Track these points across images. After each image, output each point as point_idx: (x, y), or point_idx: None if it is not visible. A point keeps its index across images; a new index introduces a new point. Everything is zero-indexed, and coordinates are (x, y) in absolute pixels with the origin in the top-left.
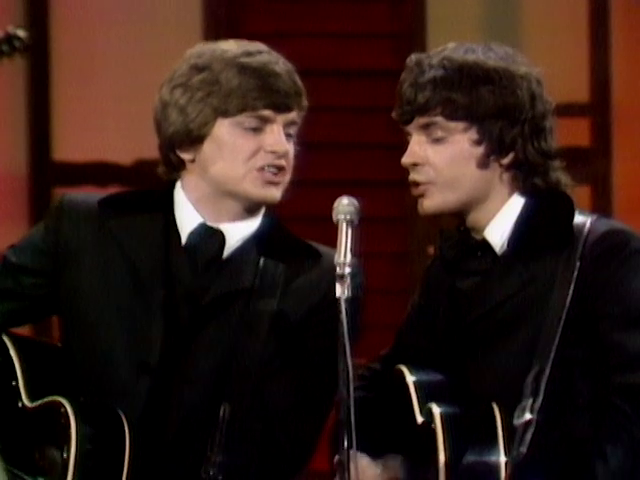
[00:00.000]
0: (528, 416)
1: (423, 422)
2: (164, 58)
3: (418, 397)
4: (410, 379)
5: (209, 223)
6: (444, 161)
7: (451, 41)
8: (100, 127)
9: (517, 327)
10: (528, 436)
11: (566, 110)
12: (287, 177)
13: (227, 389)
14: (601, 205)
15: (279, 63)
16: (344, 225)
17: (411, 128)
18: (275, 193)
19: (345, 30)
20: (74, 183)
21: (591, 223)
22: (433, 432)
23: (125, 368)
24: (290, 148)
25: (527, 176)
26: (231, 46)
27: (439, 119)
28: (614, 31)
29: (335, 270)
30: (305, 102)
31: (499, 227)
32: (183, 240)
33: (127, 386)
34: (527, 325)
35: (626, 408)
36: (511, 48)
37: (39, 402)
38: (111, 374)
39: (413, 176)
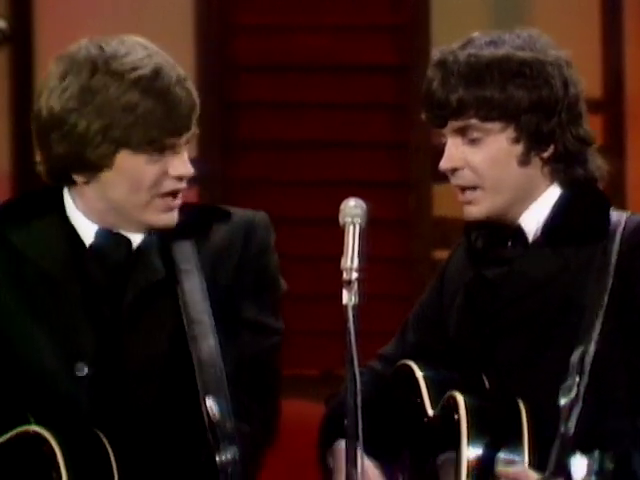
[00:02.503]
0: (574, 394)
1: (435, 415)
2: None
3: (429, 390)
4: (419, 374)
5: (107, 228)
6: (485, 163)
7: (456, 34)
8: None
9: (552, 318)
10: (574, 415)
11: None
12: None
13: (201, 384)
14: (614, 205)
15: (179, 82)
16: (351, 228)
17: (445, 131)
18: (174, 217)
19: (342, 23)
20: None
21: (627, 217)
22: (457, 423)
23: (61, 382)
24: (192, 170)
25: (568, 167)
26: (123, 64)
27: (474, 121)
28: (627, 25)
29: (247, 225)
30: (198, 108)
31: (534, 216)
32: (87, 242)
33: (68, 400)
34: (564, 316)
35: None
36: (533, 29)
37: (5, 437)
38: (48, 391)
39: (455, 181)
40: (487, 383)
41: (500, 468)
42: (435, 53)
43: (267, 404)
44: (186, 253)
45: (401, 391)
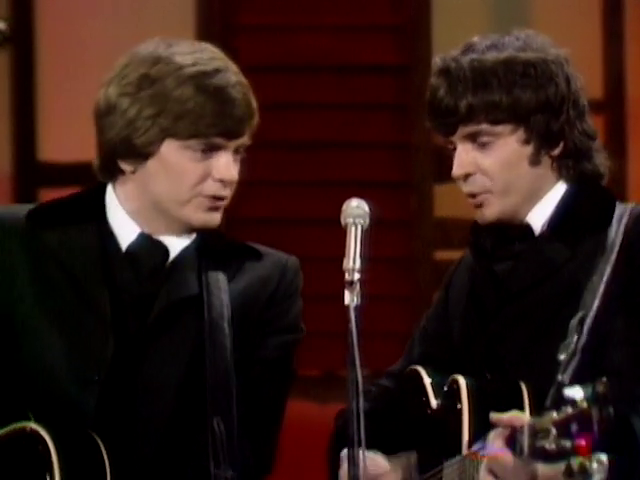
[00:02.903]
0: (572, 349)
1: (438, 406)
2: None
3: (433, 387)
4: (425, 374)
5: (147, 232)
6: (497, 166)
7: (457, 34)
8: (87, 126)
9: (558, 306)
10: (571, 368)
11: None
12: (227, 202)
13: (211, 404)
14: None
15: (236, 86)
16: (353, 229)
17: (455, 138)
18: (216, 218)
19: (343, 23)
20: (59, 184)
21: (631, 207)
22: (459, 412)
23: (70, 385)
24: (236, 177)
25: (576, 163)
26: (186, 59)
27: (485, 126)
28: (627, 25)
29: (279, 267)
30: (257, 120)
31: (541, 212)
32: (123, 248)
33: (74, 403)
34: (569, 303)
35: None
36: (530, 30)
37: (1, 432)
38: (55, 393)
39: (467, 188)
40: (489, 377)
41: (494, 415)
42: (436, 61)
43: (266, 441)
44: (218, 280)
45: (408, 393)
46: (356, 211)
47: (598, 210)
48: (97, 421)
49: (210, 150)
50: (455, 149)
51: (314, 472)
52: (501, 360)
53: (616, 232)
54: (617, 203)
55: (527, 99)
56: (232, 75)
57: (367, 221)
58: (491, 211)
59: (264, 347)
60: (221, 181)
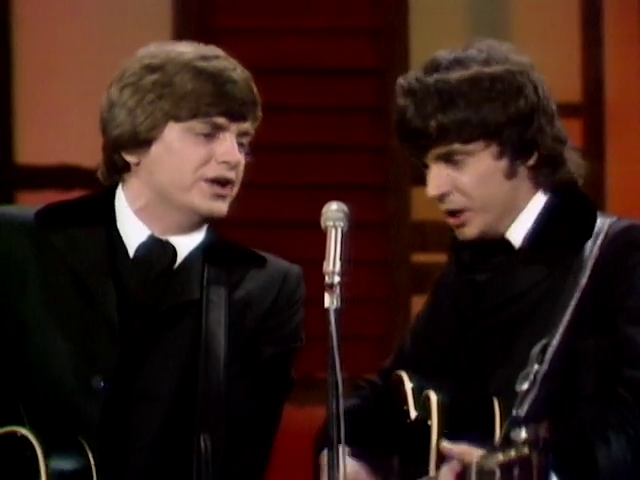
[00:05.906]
0: (531, 381)
1: (417, 417)
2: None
3: (414, 395)
4: (407, 380)
5: (157, 235)
6: (473, 184)
7: (435, 37)
8: (65, 128)
9: (530, 321)
10: (528, 401)
11: (557, 111)
12: (235, 190)
13: (199, 419)
14: None
15: (236, 70)
16: (333, 232)
17: (427, 160)
18: (222, 207)
19: (321, 25)
20: (37, 187)
21: (612, 221)
22: (429, 429)
23: (75, 392)
24: (241, 159)
25: (552, 170)
26: (187, 48)
27: (457, 146)
28: (607, 28)
29: (281, 276)
30: (260, 113)
31: (520, 225)
32: (130, 252)
33: (79, 412)
34: (540, 317)
35: (632, 403)
36: (491, 38)
37: None
38: (60, 400)
39: (445, 206)
40: (474, 385)
41: (445, 445)
42: (400, 81)
43: (260, 450)
44: (220, 288)
45: (393, 399)
46: (336, 214)
47: (578, 224)
48: (100, 430)
49: (212, 134)
50: (427, 167)
51: (293, 474)
52: (481, 370)
53: (590, 250)
54: (598, 214)
55: (496, 114)
56: (233, 62)
57: (347, 224)
58: (472, 230)
59: (261, 356)
60: (224, 163)
